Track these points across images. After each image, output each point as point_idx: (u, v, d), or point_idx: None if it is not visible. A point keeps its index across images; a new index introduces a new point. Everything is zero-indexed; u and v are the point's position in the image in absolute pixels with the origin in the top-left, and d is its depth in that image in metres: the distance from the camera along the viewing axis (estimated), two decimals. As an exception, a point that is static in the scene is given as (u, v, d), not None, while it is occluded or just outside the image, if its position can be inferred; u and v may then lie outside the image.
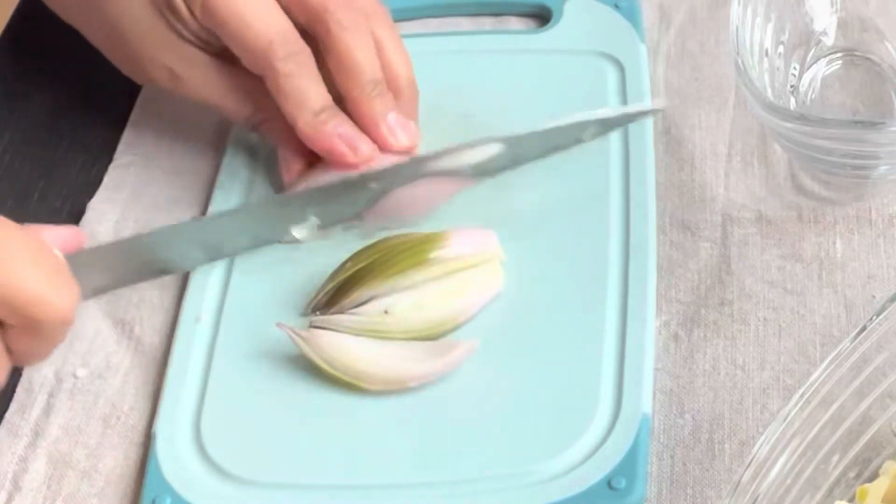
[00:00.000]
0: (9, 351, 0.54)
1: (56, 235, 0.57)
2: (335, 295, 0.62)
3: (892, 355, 0.52)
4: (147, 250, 0.61)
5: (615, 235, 0.63)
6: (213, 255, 0.64)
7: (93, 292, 0.59)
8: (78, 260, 0.56)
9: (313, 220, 0.64)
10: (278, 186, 0.68)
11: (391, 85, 0.65)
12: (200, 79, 0.67)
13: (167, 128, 0.73)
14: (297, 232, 0.64)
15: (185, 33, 0.65)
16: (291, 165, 0.67)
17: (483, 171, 0.64)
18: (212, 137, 0.72)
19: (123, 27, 0.66)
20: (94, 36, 0.69)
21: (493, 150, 0.64)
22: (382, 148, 0.65)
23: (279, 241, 0.64)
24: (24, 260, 0.53)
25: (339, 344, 0.60)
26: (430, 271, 0.61)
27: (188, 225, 0.64)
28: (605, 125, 0.65)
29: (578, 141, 0.65)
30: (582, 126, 0.64)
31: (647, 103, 0.69)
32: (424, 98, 0.67)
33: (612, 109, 0.67)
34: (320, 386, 0.60)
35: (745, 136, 0.68)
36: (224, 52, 0.66)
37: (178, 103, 0.74)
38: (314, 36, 0.64)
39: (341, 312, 0.61)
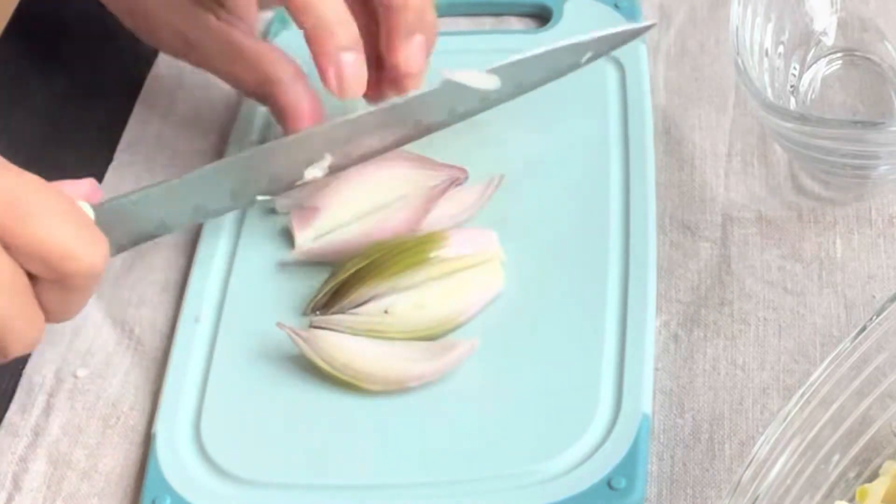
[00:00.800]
0: (43, 309, 0.55)
1: (76, 190, 0.58)
2: (335, 295, 0.62)
3: (892, 355, 0.52)
4: (170, 198, 0.62)
5: (615, 235, 0.63)
6: (233, 202, 0.64)
7: (117, 249, 0.60)
8: (101, 213, 0.58)
9: (328, 157, 0.64)
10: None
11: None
12: (212, 46, 0.67)
13: (168, 127, 0.73)
14: (311, 172, 0.64)
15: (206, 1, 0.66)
16: None
17: (487, 103, 0.66)
18: (213, 137, 0.72)
19: None
20: (111, 1, 0.70)
21: (493, 81, 0.65)
22: (393, 71, 0.65)
23: (292, 186, 0.64)
24: (55, 215, 0.53)
25: (339, 344, 0.60)
26: (430, 271, 0.61)
27: (211, 169, 0.63)
28: (601, 45, 0.66)
29: (574, 66, 0.66)
30: (577, 49, 0.65)
31: (638, 22, 0.71)
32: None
33: (603, 30, 0.67)
34: (320, 386, 0.60)
35: (745, 136, 0.68)
36: (238, 20, 0.67)
37: (178, 102, 0.74)
38: None
39: (341, 312, 0.61)
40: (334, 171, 0.64)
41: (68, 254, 0.53)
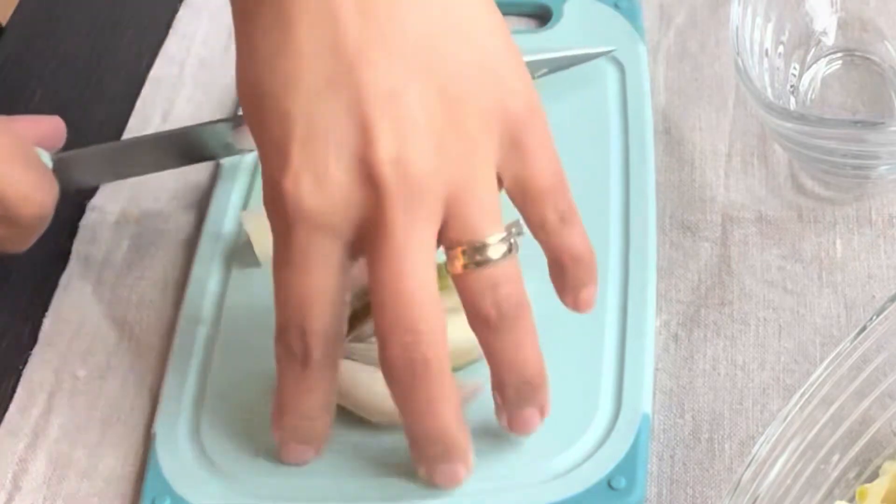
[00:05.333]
0: None
1: (38, 128, 0.63)
2: (352, 320, 0.58)
3: (892, 355, 0.52)
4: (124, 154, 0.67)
5: (615, 235, 0.63)
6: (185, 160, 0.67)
7: (76, 186, 0.67)
8: (60, 161, 0.64)
9: None
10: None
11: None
12: None
13: (168, 126, 0.73)
14: None
15: None
16: None
17: None
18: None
19: None
20: None
21: None
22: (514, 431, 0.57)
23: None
24: (12, 162, 0.59)
25: (347, 371, 0.58)
26: (451, 299, 0.56)
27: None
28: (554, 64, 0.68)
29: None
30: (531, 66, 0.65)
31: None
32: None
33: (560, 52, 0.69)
34: (320, 386, 0.60)
35: (745, 136, 0.68)
36: None
37: (178, 103, 0.74)
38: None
39: (360, 340, 0.59)
40: None
41: (21, 198, 0.59)
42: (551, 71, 0.68)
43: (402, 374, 0.52)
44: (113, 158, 0.67)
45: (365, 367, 0.59)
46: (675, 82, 0.71)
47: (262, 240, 0.62)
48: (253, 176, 0.69)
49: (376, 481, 0.57)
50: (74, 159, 0.65)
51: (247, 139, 0.60)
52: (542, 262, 0.63)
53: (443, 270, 0.54)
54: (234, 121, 0.66)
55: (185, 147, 0.66)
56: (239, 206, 0.68)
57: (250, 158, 0.70)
